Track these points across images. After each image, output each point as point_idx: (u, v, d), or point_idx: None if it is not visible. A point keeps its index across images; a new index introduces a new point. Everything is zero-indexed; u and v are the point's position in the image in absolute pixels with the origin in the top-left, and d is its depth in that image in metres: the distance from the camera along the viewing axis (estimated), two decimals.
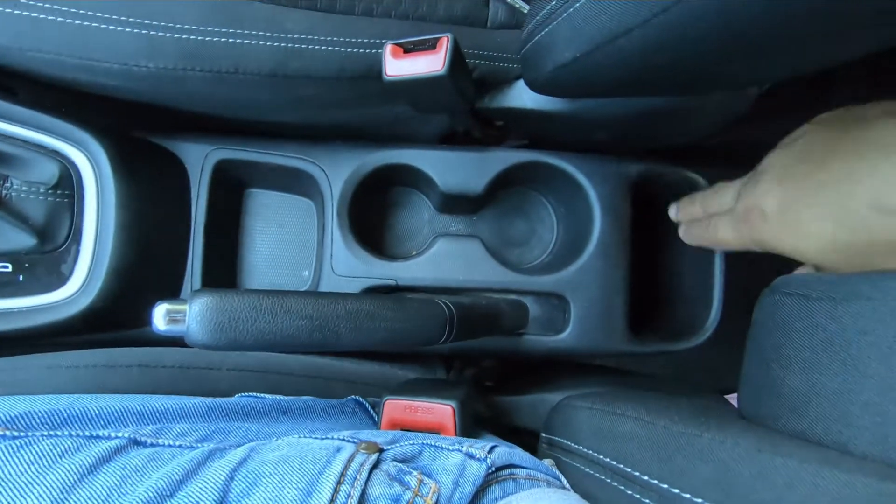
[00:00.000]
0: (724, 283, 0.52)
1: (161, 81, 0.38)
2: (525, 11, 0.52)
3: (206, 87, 0.40)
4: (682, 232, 0.49)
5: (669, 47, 0.25)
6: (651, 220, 0.56)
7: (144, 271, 0.46)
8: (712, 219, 0.44)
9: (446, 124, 0.56)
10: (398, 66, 0.40)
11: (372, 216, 0.57)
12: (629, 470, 0.26)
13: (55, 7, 0.35)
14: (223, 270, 0.54)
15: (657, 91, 0.37)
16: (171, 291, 0.50)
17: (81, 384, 0.35)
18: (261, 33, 0.39)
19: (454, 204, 0.55)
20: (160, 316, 0.27)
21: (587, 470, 0.30)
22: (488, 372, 0.60)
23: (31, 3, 0.34)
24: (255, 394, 0.38)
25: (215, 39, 0.38)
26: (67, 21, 0.35)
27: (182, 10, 0.38)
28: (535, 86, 0.41)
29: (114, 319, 0.46)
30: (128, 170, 0.45)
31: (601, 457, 0.28)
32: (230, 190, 0.55)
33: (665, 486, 0.24)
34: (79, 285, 0.43)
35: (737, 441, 0.23)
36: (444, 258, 0.50)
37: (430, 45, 0.41)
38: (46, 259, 0.43)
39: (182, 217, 0.50)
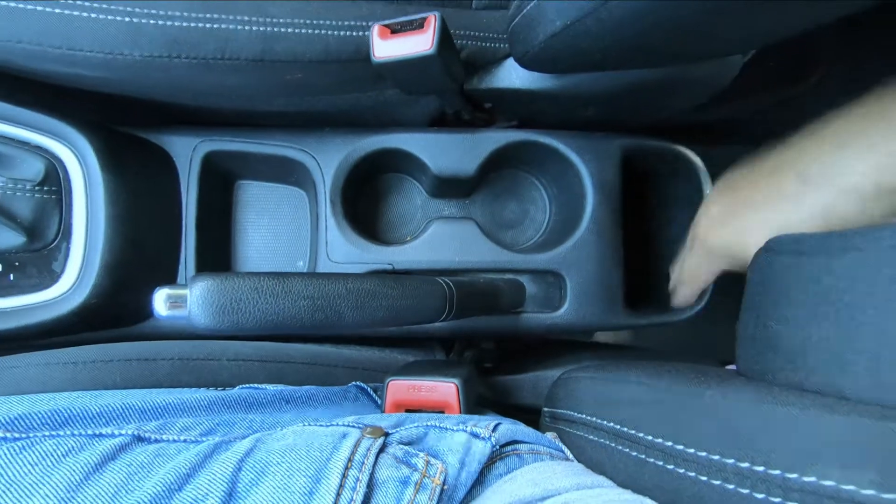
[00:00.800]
0: None
1: (146, 70, 0.37)
2: None
3: (193, 75, 0.39)
4: (673, 301, 0.52)
5: (658, 9, 0.25)
6: (642, 193, 0.56)
7: (137, 266, 0.46)
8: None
9: (435, 107, 0.55)
10: (386, 48, 0.40)
11: (365, 204, 0.57)
12: (633, 432, 0.27)
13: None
14: (217, 263, 0.54)
15: (646, 61, 0.37)
16: (163, 283, 0.49)
17: (79, 381, 0.35)
18: (245, 18, 0.39)
19: (446, 187, 0.55)
20: (161, 300, 0.27)
21: (591, 437, 0.30)
22: (487, 354, 0.61)
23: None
24: (256, 385, 0.38)
25: (200, 25, 0.37)
26: (48, 10, 0.34)
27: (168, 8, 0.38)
28: (524, 61, 0.41)
29: (108, 316, 0.46)
30: (115, 164, 0.45)
31: (605, 422, 0.29)
32: (221, 182, 0.54)
33: (669, 443, 0.25)
34: (71, 282, 0.43)
35: (738, 395, 0.23)
36: (439, 241, 0.50)
37: (418, 25, 0.40)
38: (37, 257, 0.42)
39: (173, 211, 0.49)
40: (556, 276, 0.51)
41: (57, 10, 0.34)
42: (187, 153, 0.50)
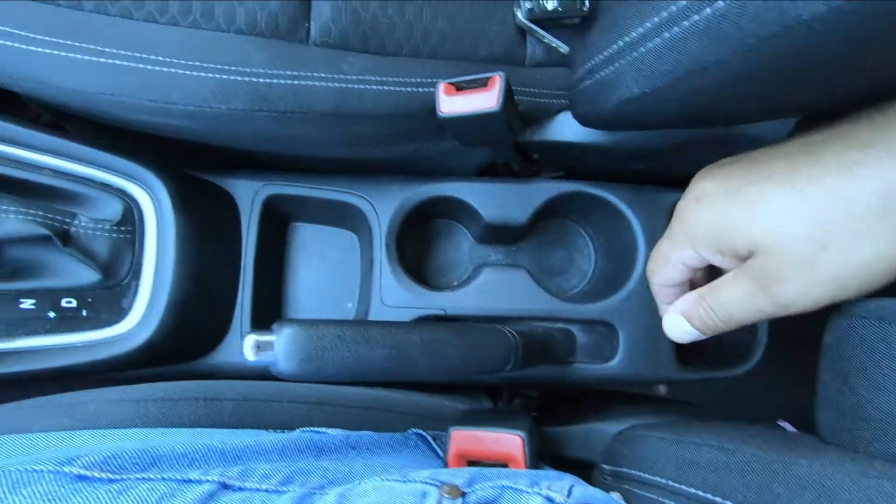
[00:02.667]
0: None
1: (229, 121, 0.40)
2: (562, 51, 0.54)
3: (270, 126, 0.41)
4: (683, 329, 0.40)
5: (745, 81, 0.26)
6: None
7: (199, 304, 0.47)
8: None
9: (487, 157, 0.57)
10: (452, 104, 0.42)
11: (413, 248, 0.58)
12: (719, 500, 0.26)
13: (137, 55, 0.37)
14: (269, 303, 0.55)
15: (713, 122, 0.39)
16: (223, 325, 0.50)
17: (150, 419, 0.36)
18: (321, 75, 0.41)
19: (495, 235, 0.56)
20: (249, 346, 0.28)
21: (668, 502, 0.29)
22: (532, 402, 0.60)
23: (115, 51, 0.36)
24: (317, 428, 0.38)
25: (281, 82, 0.40)
26: (149, 68, 0.37)
27: (251, 54, 0.40)
28: (586, 119, 0.43)
29: (170, 352, 0.47)
30: (186, 207, 0.47)
31: (685, 487, 0.28)
32: (277, 224, 0.56)
33: None
34: (138, 319, 0.44)
35: (837, 468, 0.23)
36: (490, 288, 0.51)
37: (482, 84, 0.42)
38: (108, 294, 0.44)
39: (233, 251, 0.51)
40: (607, 327, 0.51)
41: (157, 68, 0.37)
42: (249, 196, 0.53)
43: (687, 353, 0.51)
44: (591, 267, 0.59)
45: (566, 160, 0.56)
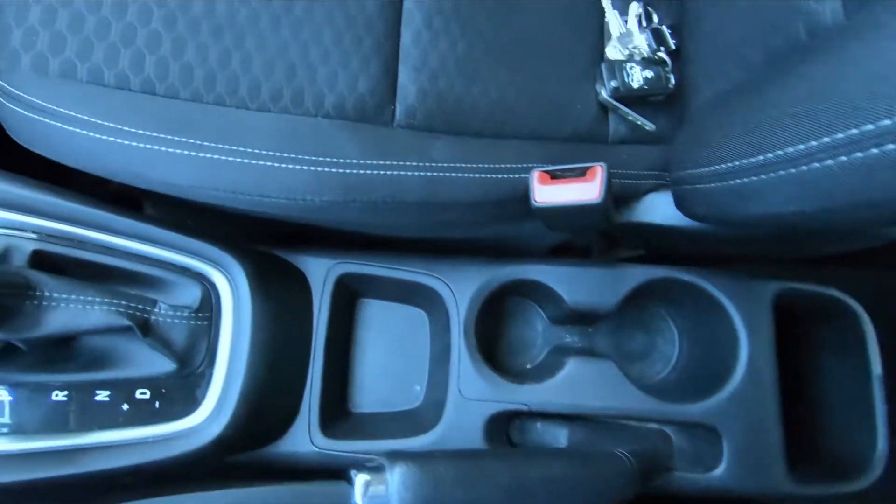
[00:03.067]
0: (888, 411, 0.47)
1: (321, 212, 0.39)
2: (648, 128, 0.52)
3: (361, 215, 0.40)
4: None
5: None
6: (790, 335, 0.52)
7: (271, 393, 0.45)
8: None
9: (566, 237, 0.55)
10: (547, 193, 0.40)
11: (484, 326, 0.55)
12: None
13: (234, 148, 0.36)
14: (336, 386, 0.52)
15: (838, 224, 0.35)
16: (292, 411, 0.48)
17: None
18: (412, 163, 0.40)
19: (573, 317, 0.53)
20: (360, 488, 0.25)
21: None
22: None
23: (213, 145, 0.36)
24: None
25: (374, 172, 0.39)
26: (245, 161, 0.36)
27: (343, 143, 0.39)
28: (698, 217, 0.40)
29: (239, 443, 0.44)
30: (262, 290, 0.45)
31: None
32: (347, 301, 0.54)
33: None
34: (210, 410, 0.42)
35: None
36: (576, 381, 0.47)
37: (580, 173, 0.40)
38: (182, 384, 0.42)
39: (305, 334, 0.49)
40: (708, 431, 0.46)
41: (252, 161, 0.36)
42: (322, 274, 0.51)
43: (799, 461, 0.46)
44: (676, 352, 0.55)
45: (650, 240, 0.53)
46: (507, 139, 0.48)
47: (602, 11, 0.55)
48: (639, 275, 0.49)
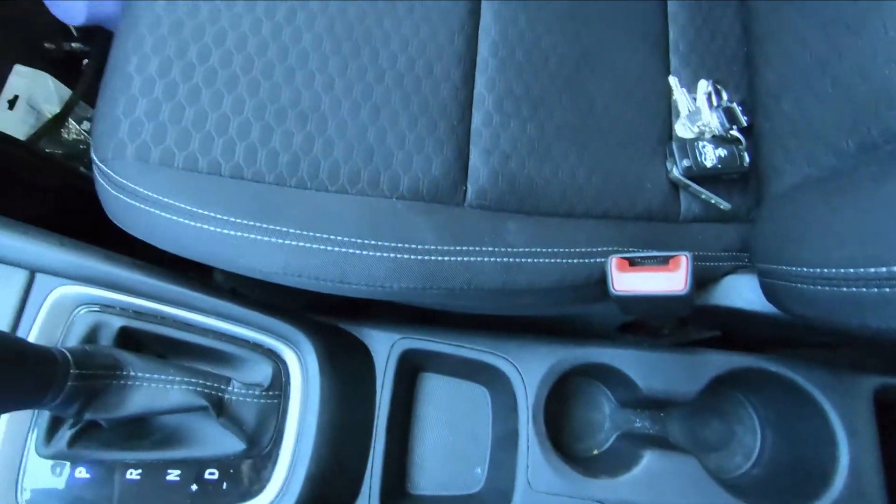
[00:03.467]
0: None
1: (399, 297, 0.39)
2: (723, 207, 0.51)
3: (437, 300, 0.40)
4: None
5: None
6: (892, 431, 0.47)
7: (334, 474, 0.44)
8: None
9: (634, 319, 0.53)
10: (627, 281, 0.39)
11: (547, 407, 0.53)
12: None
13: (317, 236, 0.37)
14: (397, 465, 0.51)
15: None
16: (353, 491, 0.46)
17: None
18: (489, 249, 0.40)
19: (645, 402, 0.50)
20: None
21: None
22: None
23: (298, 232, 0.37)
24: None
25: (453, 259, 0.39)
26: (328, 249, 0.37)
27: (421, 227, 0.40)
28: (795, 315, 0.38)
29: None
30: (330, 368, 0.45)
31: None
32: (409, 376, 0.53)
33: None
34: (275, 493, 0.41)
35: None
36: (654, 478, 0.44)
37: (662, 262, 0.39)
38: (249, 464, 0.42)
39: (368, 410, 0.48)
40: None
41: (335, 249, 0.37)
42: (385, 349, 0.51)
43: None
44: (758, 444, 0.51)
45: (728, 323, 0.51)
46: (578, 219, 0.48)
47: (669, 89, 0.55)
48: (720, 362, 0.46)
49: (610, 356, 0.47)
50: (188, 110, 0.41)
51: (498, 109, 0.49)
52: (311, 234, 0.37)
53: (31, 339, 0.39)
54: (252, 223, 0.37)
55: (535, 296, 0.41)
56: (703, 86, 0.55)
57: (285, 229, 0.37)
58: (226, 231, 0.36)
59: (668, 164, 0.51)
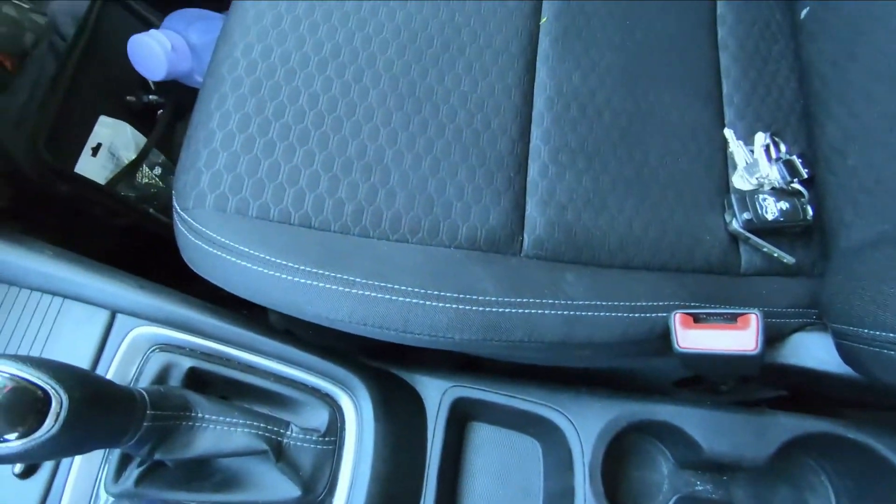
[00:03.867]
0: None
1: (460, 347, 0.39)
2: (786, 261, 0.49)
3: (496, 352, 0.40)
4: None
5: None
6: None
7: None
8: None
9: (693, 373, 0.51)
10: (693, 338, 0.38)
11: (605, 465, 0.51)
12: None
13: (383, 285, 0.38)
14: None
15: None
16: None
17: None
18: (548, 301, 0.40)
19: (706, 464, 0.48)
20: None
21: None
22: None
23: (364, 281, 0.38)
24: None
25: (514, 311, 0.39)
26: (393, 298, 0.38)
27: (481, 278, 0.40)
28: (872, 374, 0.36)
29: None
30: (384, 416, 0.45)
31: None
32: (459, 425, 0.53)
33: None
34: None
35: None
36: None
37: (729, 319, 0.38)
38: None
39: (419, 459, 0.48)
40: None
41: (399, 298, 0.38)
42: (437, 397, 0.50)
43: None
44: None
45: (797, 383, 0.48)
46: (637, 270, 0.47)
47: (725, 142, 0.55)
48: (791, 426, 0.44)
49: (671, 413, 0.45)
50: (263, 163, 0.43)
51: (554, 161, 0.50)
52: (376, 283, 0.38)
53: (110, 375, 0.41)
54: (321, 271, 0.38)
55: (595, 349, 0.41)
56: (761, 138, 0.54)
57: (352, 278, 0.38)
58: (297, 279, 0.38)
59: (727, 217, 0.51)
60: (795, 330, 0.45)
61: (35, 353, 0.41)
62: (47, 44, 0.70)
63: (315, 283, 0.38)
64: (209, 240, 0.40)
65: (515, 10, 0.55)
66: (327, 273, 0.38)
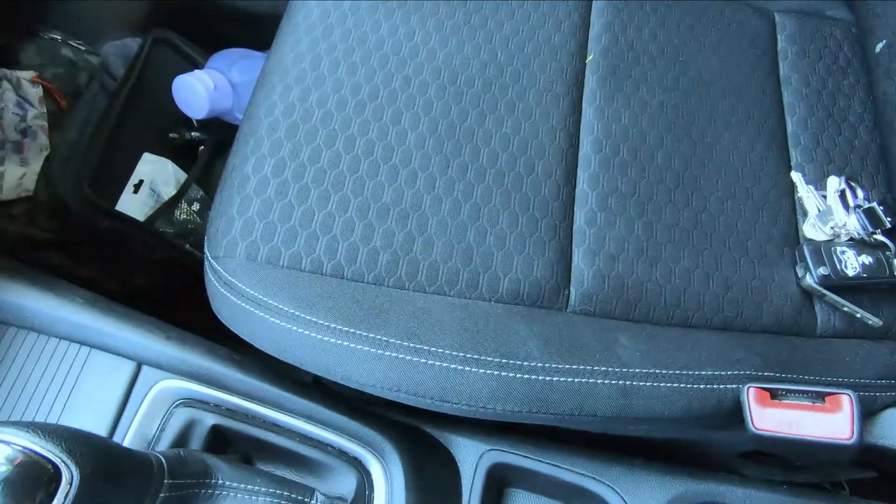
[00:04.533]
0: None
1: (504, 419, 0.35)
2: (872, 324, 0.44)
3: (544, 423, 0.36)
4: None
5: None
6: None
7: None
8: None
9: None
10: (771, 419, 0.33)
11: None
12: None
13: (418, 347, 0.35)
14: None
15: None
16: None
17: None
18: (601, 368, 0.36)
19: None
20: None
21: None
22: None
23: (398, 342, 0.35)
24: None
25: (561, 379, 0.35)
26: (429, 363, 0.35)
27: (524, 340, 0.37)
28: None
29: None
30: (415, 479, 0.41)
31: None
32: (495, 491, 0.48)
33: None
34: None
35: None
36: None
37: (815, 398, 0.33)
38: None
39: None
40: None
41: (436, 363, 0.35)
42: (473, 460, 0.46)
43: None
44: None
45: (891, 465, 0.42)
46: (697, 330, 0.43)
47: (792, 186, 0.51)
48: None
49: (740, 497, 0.40)
50: (297, 209, 0.41)
51: (603, 208, 0.46)
52: (410, 344, 0.35)
53: (131, 432, 0.40)
54: (352, 330, 0.35)
55: (653, 424, 0.36)
56: (834, 183, 0.49)
57: (385, 339, 0.35)
58: (326, 338, 0.35)
59: (799, 270, 0.46)
60: (887, 406, 0.39)
61: (59, 404, 0.39)
62: (98, 83, 0.73)
63: (346, 342, 0.35)
64: (238, 292, 0.38)
65: (560, 49, 0.53)
66: (359, 332, 0.35)
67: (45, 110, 0.67)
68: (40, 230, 0.64)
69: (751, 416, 0.33)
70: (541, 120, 0.49)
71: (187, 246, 0.77)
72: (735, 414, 0.36)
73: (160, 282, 0.77)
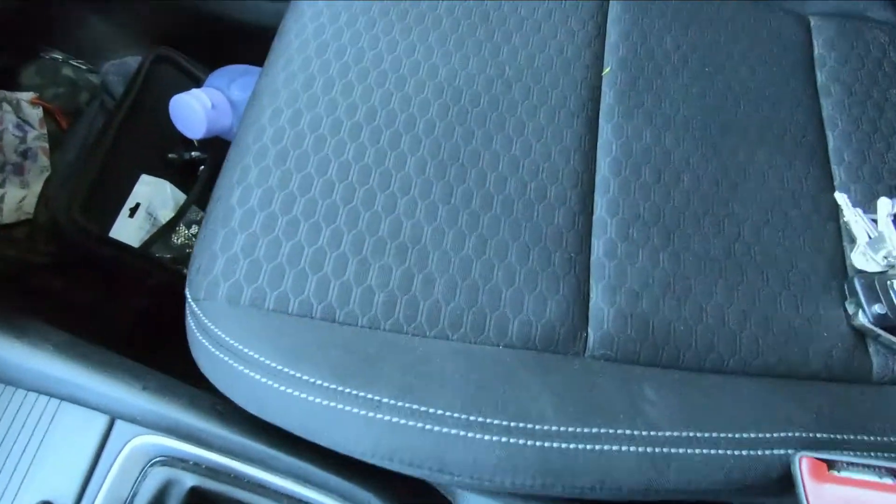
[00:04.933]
0: None
1: (513, 490, 0.31)
2: None
3: (560, 497, 0.31)
4: None
5: None
6: None
7: None
8: None
9: None
10: (832, 496, 0.28)
11: None
12: None
13: (414, 408, 0.31)
14: None
15: None
16: None
17: None
18: (626, 432, 0.31)
19: None
20: None
21: None
22: None
23: (392, 403, 0.31)
24: None
25: (578, 447, 0.30)
26: (427, 427, 0.30)
27: (535, 396, 0.32)
28: None
29: None
30: None
31: None
32: None
33: None
34: None
35: None
36: None
37: (886, 474, 0.28)
38: None
39: None
40: None
41: (434, 428, 0.30)
42: None
43: None
44: None
45: None
46: (735, 377, 0.38)
47: (836, 208, 0.45)
48: None
49: None
50: (285, 245, 0.38)
51: (623, 237, 0.42)
52: (405, 405, 0.31)
53: (102, 493, 0.36)
54: (340, 388, 0.31)
55: (690, 496, 0.31)
56: (886, 205, 0.44)
57: (377, 398, 0.31)
58: (311, 398, 0.31)
59: (849, 307, 0.40)
60: None
61: (24, 462, 0.36)
62: (98, 103, 0.70)
63: (333, 403, 0.31)
64: (217, 340, 0.34)
65: (574, 61, 0.49)
66: (348, 391, 0.31)
67: (45, 131, 0.65)
68: (39, 254, 0.62)
69: (805, 494, 0.28)
70: (553, 140, 0.45)
71: (185, 270, 0.74)
72: (783, 480, 0.31)
73: (157, 307, 0.74)
